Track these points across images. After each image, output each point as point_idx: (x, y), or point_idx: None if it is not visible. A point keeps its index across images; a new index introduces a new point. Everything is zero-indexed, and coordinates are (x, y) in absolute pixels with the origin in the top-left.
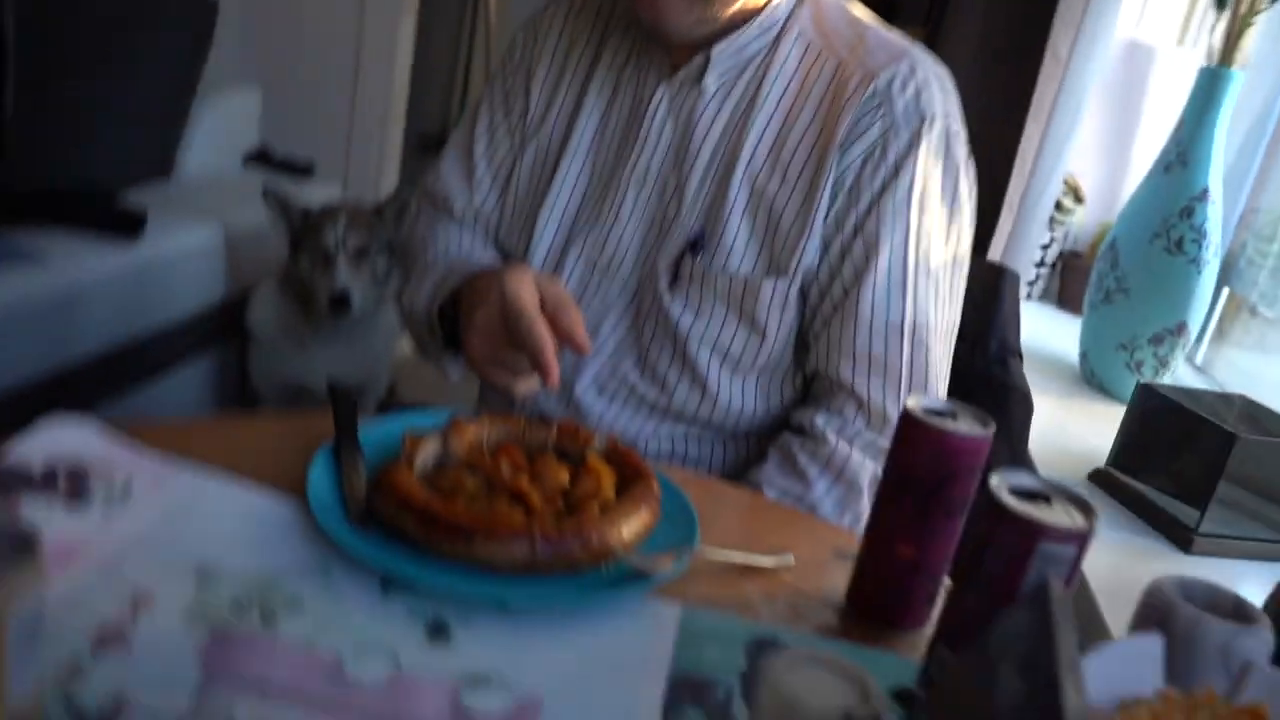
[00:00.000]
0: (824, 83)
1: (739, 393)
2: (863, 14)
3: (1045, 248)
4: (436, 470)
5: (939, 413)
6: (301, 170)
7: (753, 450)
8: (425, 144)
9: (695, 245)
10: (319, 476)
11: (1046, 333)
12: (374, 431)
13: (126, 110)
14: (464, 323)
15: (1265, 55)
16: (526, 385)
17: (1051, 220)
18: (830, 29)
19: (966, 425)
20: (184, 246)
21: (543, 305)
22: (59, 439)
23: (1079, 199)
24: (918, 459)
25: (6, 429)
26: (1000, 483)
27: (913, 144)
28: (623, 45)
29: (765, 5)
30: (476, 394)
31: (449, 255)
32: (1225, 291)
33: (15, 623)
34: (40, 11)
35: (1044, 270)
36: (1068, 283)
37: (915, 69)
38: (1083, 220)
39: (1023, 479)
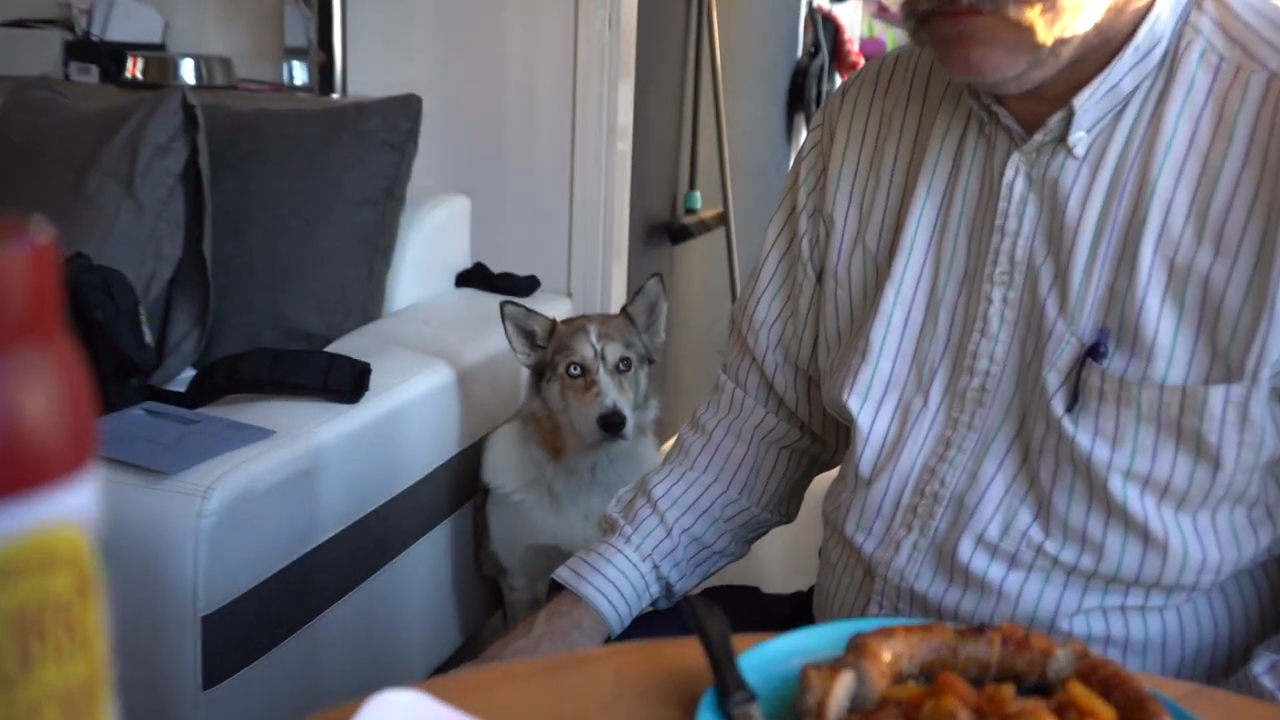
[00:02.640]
0: (1252, 108)
1: (1196, 536)
2: None
3: None
4: (857, 715)
5: None
6: (524, 287)
7: (1219, 616)
8: (653, 235)
9: (1096, 350)
10: None
11: None
12: (754, 662)
13: (331, 244)
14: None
15: None
16: None
17: None
18: (1246, 35)
19: None
20: (413, 397)
21: None
22: (393, 715)
23: None
24: None
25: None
26: None
27: None
28: (958, 112)
29: (1136, 27)
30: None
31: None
32: None
33: None
34: (226, 147)
35: None
36: None
37: None
38: None
39: None
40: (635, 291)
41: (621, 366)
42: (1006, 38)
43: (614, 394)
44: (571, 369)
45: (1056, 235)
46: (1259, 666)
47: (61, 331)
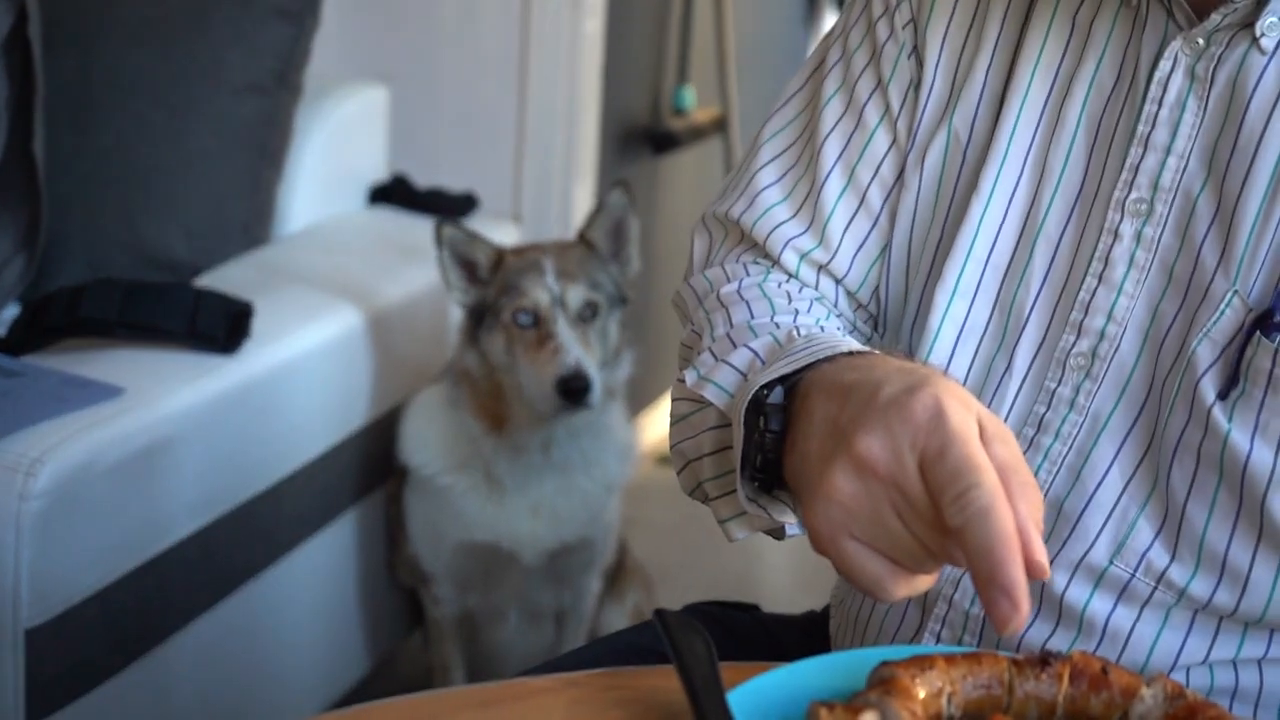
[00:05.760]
0: None
1: None
2: None
3: None
4: None
5: None
6: (457, 207)
7: None
8: (630, 142)
9: (1268, 319)
10: None
11: None
12: (748, 698)
13: (205, 145)
14: (816, 452)
15: None
16: (913, 586)
17: None
18: None
19: None
20: (309, 348)
21: None
22: None
23: None
24: None
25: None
26: None
27: None
28: None
29: None
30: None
31: (773, 323)
32: None
33: None
34: (65, 11)
35: None
36: None
37: None
38: None
39: None
40: (594, 209)
41: (586, 314)
42: None
43: (577, 351)
44: (520, 317)
45: (1223, 156)
46: None
47: None
